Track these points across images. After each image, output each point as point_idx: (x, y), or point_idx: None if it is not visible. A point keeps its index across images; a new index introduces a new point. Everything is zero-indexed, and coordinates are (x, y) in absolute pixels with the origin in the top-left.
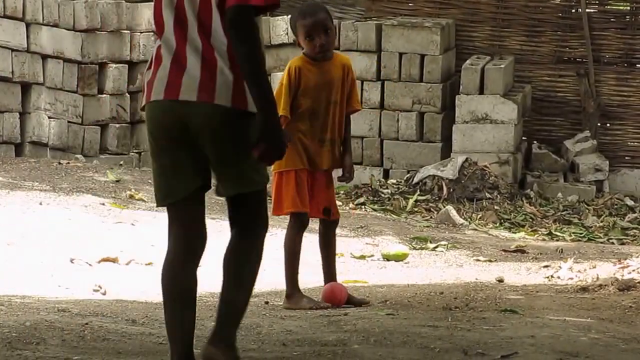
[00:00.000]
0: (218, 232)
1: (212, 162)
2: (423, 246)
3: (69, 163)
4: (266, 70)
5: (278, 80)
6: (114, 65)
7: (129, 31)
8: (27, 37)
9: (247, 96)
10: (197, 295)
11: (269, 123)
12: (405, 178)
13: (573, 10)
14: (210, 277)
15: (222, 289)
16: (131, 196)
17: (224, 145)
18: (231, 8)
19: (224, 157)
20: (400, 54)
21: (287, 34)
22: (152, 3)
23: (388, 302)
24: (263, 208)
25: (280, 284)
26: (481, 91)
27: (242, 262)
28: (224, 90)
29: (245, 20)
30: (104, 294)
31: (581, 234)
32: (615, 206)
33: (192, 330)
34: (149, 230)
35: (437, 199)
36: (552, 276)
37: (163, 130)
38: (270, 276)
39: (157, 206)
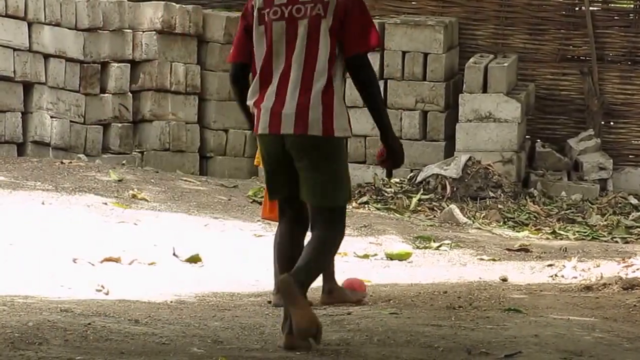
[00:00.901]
0: (221, 231)
1: (303, 179)
2: (426, 245)
3: (71, 162)
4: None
5: None
6: (116, 65)
7: (131, 30)
8: (29, 36)
9: (334, 124)
10: (201, 296)
11: (391, 140)
12: (408, 177)
13: (576, 9)
14: (213, 278)
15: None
16: (134, 196)
17: (314, 165)
18: (356, 56)
19: (313, 176)
20: (403, 53)
21: None
22: (252, 37)
23: (391, 301)
24: (341, 221)
25: None
26: (484, 90)
27: (320, 243)
28: (316, 123)
29: (368, 64)
30: (107, 294)
31: (585, 232)
32: (619, 205)
33: None
34: (152, 229)
35: (440, 198)
36: (556, 275)
37: (269, 154)
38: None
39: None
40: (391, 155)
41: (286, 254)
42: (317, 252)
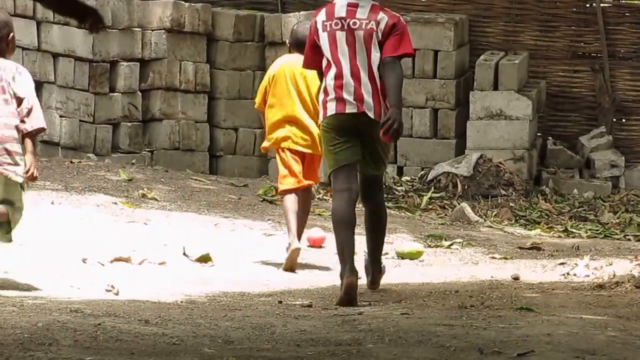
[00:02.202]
0: (231, 230)
1: (367, 151)
2: (438, 244)
3: (80, 162)
4: None
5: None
6: (125, 63)
7: (140, 29)
8: (38, 35)
9: (381, 110)
10: (211, 296)
11: (400, 116)
12: (419, 175)
13: (587, 5)
14: (223, 278)
15: (367, 238)
16: (143, 195)
17: (374, 141)
18: (391, 57)
19: (372, 148)
20: (414, 50)
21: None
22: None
23: (403, 301)
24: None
25: (294, 284)
26: (495, 87)
27: (378, 219)
28: (378, 110)
29: (399, 63)
30: (117, 294)
31: (597, 230)
32: (632, 202)
33: (354, 247)
34: (162, 229)
35: (451, 196)
36: (568, 273)
37: (344, 129)
38: (283, 275)
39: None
40: (392, 125)
41: (349, 219)
42: (382, 235)
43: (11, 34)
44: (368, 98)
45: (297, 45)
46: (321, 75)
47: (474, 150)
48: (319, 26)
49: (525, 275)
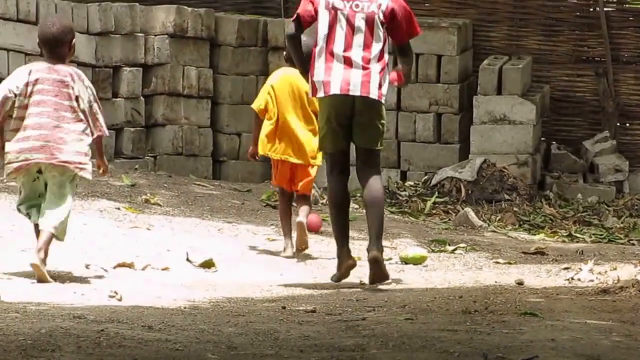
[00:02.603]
0: (234, 236)
1: (360, 128)
2: (442, 249)
3: None
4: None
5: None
6: (128, 69)
7: (143, 34)
8: None
9: (382, 91)
10: (215, 301)
11: (410, 70)
12: (423, 180)
13: (591, 9)
14: (226, 283)
15: (368, 215)
16: (147, 200)
17: (371, 118)
18: (404, 42)
19: (369, 124)
20: (417, 55)
21: None
22: (319, 23)
23: (406, 306)
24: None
25: (298, 289)
26: (499, 92)
27: (376, 196)
28: (374, 90)
29: (409, 47)
30: (120, 300)
31: (601, 235)
32: (636, 207)
33: (348, 228)
34: (165, 234)
35: (455, 201)
36: (572, 278)
37: (337, 112)
38: (287, 281)
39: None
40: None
41: (342, 201)
42: (381, 217)
43: (74, 40)
44: (358, 79)
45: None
46: (307, 56)
47: (477, 154)
48: (322, 4)
49: (529, 280)
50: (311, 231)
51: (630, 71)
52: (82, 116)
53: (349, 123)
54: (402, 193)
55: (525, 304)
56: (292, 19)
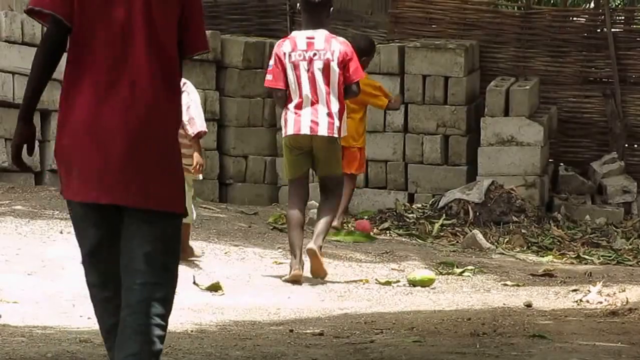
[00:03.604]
0: (241, 259)
1: (319, 162)
2: (449, 271)
3: None
4: None
5: None
6: None
7: None
8: None
9: (334, 128)
10: (222, 324)
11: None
12: (430, 202)
13: (598, 30)
14: (233, 306)
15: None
16: None
17: (329, 154)
18: (354, 83)
19: (327, 159)
20: (424, 76)
21: None
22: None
23: (415, 328)
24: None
25: (305, 312)
26: (506, 113)
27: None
28: (336, 129)
29: (356, 85)
30: None
31: (610, 257)
32: None
33: (302, 242)
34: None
35: (463, 223)
36: (581, 300)
37: (300, 147)
38: (294, 304)
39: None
40: None
41: (299, 222)
42: (328, 222)
43: None
44: (323, 120)
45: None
46: (284, 98)
47: (485, 176)
48: (285, 57)
49: (537, 302)
50: (362, 231)
51: (638, 92)
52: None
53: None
54: (410, 215)
55: (534, 326)
56: (271, 87)
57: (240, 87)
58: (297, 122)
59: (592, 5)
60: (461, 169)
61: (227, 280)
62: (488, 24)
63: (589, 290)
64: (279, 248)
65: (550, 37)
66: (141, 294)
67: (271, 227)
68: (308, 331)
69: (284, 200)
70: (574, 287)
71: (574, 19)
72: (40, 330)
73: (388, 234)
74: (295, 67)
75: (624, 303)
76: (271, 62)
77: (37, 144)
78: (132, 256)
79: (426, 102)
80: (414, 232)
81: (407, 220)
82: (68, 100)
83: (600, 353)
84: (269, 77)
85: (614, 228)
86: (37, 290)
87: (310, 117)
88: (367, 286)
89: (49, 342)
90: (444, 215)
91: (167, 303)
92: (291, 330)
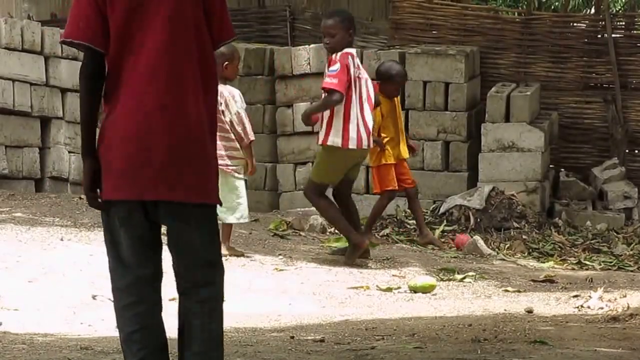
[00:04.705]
0: (242, 265)
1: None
2: (450, 277)
3: None
4: None
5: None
6: None
7: None
8: (46, 70)
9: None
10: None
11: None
12: (431, 208)
13: (599, 36)
14: (234, 313)
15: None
16: None
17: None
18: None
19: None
20: (425, 83)
21: (308, 64)
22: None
23: (416, 335)
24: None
25: (306, 319)
26: (507, 119)
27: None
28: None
29: None
30: None
31: (611, 262)
32: None
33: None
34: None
35: (464, 229)
36: (582, 306)
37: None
38: (295, 310)
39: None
40: None
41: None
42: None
43: (226, 64)
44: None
45: (380, 78)
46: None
47: (486, 182)
48: (351, 69)
49: (538, 308)
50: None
51: (639, 97)
52: (227, 126)
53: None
54: (411, 222)
55: (535, 332)
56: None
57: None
58: (360, 136)
59: (593, 10)
60: (462, 175)
61: (227, 286)
62: (489, 30)
63: (590, 296)
64: (280, 255)
65: (550, 42)
66: (196, 295)
67: (272, 234)
68: (309, 338)
69: (284, 206)
70: (575, 293)
71: (575, 24)
72: (41, 337)
73: (389, 241)
74: (355, 81)
75: (625, 309)
76: (336, 67)
77: (37, 151)
78: (184, 254)
79: (427, 108)
80: (415, 238)
81: (408, 226)
82: (109, 104)
83: (602, 359)
84: (334, 80)
85: (615, 234)
86: (38, 298)
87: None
88: (368, 292)
89: (50, 350)
90: (444, 221)
91: (219, 298)
92: (292, 337)
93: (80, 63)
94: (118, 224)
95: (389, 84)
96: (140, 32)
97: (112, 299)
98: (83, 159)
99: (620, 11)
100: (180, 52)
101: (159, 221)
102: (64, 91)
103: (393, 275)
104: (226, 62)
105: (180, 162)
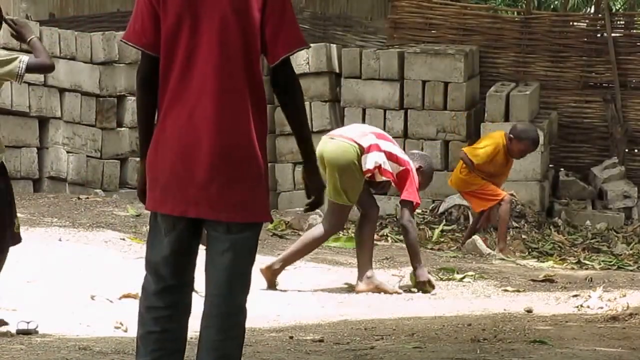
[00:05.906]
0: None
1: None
2: (450, 277)
3: (88, 198)
4: None
5: None
6: (132, 98)
7: None
8: None
9: None
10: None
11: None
12: (430, 208)
13: (598, 35)
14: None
15: None
16: None
17: None
18: None
19: None
20: (424, 82)
21: (307, 63)
22: None
23: (415, 334)
24: None
25: (305, 319)
26: (506, 118)
27: None
28: None
29: None
30: (126, 331)
31: (610, 262)
32: None
33: None
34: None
35: (463, 228)
36: (581, 305)
37: None
38: (294, 310)
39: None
40: None
41: None
42: None
43: None
44: None
45: (516, 137)
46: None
47: None
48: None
49: (538, 308)
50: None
51: (638, 97)
52: None
53: None
54: None
55: (535, 332)
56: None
57: None
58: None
59: (592, 10)
60: None
61: None
62: (488, 29)
63: (589, 296)
64: (279, 254)
65: (550, 42)
66: (218, 308)
67: (271, 234)
68: (308, 338)
69: (283, 206)
70: (574, 293)
71: (574, 23)
72: (39, 338)
73: (388, 240)
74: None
75: (625, 308)
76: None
77: (35, 151)
78: (217, 271)
79: (426, 107)
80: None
81: None
82: (161, 118)
83: (601, 358)
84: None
85: (615, 233)
86: (36, 298)
87: None
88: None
89: (48, 350)
90: (444, 221)
91: (241, 313)
92: (291, 337)
93: (77, 63)
94: (164, 233)
95: (519, 144)
96: (192, 41)
97: (139, 294)
98: (141, 160)
99: (619, 10)
100: (232, 68)
101: (192, 237)
102: (62, 91)
103: (392, 275)
104: None
105: (224, 180)
